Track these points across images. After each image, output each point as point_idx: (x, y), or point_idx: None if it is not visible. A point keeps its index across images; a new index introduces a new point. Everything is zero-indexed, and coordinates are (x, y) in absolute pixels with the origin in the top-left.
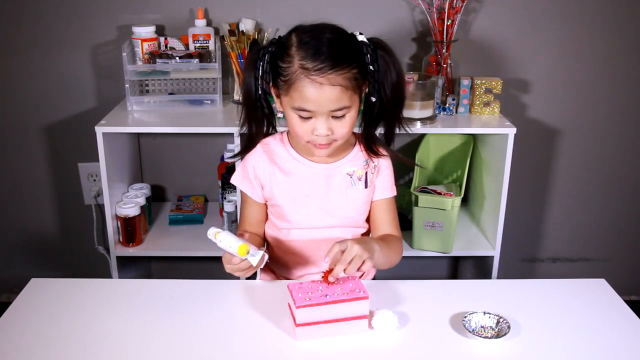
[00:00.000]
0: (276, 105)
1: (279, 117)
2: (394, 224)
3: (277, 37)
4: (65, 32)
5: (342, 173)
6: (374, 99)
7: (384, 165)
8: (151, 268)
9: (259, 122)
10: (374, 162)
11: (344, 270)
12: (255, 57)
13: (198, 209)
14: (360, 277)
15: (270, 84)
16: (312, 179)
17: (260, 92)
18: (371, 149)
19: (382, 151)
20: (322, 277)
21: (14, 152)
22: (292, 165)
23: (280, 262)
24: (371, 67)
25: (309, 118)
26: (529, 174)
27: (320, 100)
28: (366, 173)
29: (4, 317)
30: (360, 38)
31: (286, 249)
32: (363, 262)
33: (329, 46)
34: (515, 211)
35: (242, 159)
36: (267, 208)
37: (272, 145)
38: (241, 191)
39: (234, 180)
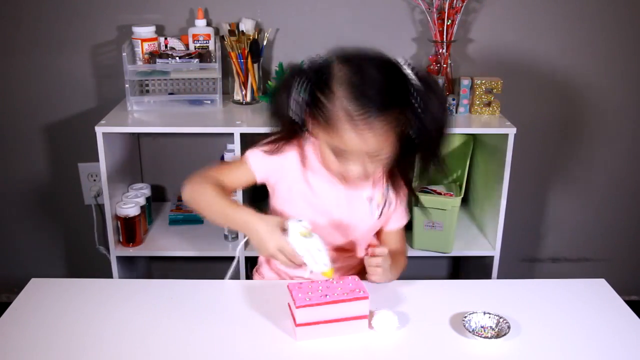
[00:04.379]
0: (307, 126)
1: None
2: (402, 244)
3: (315, 61)
4: (65, 32)
5: (362, 197)
6: (415, 140)
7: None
8: (151, 268)
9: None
10: (390, 196)
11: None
12: (292, 83)
13: None
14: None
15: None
16: (333, 194)
17: (291, 115)
18: (393, 184)
19: (404, 189)
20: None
21: (14, 152)
22: (319, 175)
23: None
24: (419, 110)
25: (343, 156)
26: (529, 174)
27: (360, 147)
28: (385, 202)
29: (4, 317)
30: (407, 72)
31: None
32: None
33: (376, 89)
34: (515, 211)
35: (275, 145)
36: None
37: (308, 153)
38: (243, 157)
39: (252, 149)
